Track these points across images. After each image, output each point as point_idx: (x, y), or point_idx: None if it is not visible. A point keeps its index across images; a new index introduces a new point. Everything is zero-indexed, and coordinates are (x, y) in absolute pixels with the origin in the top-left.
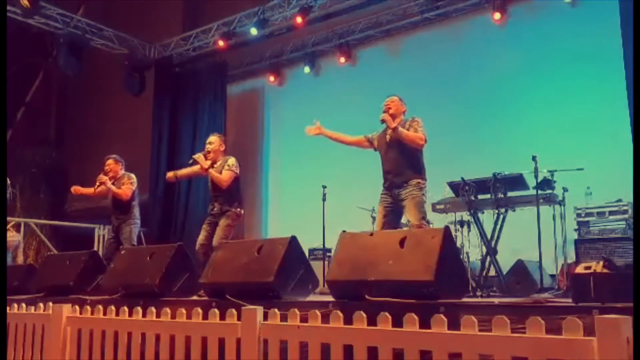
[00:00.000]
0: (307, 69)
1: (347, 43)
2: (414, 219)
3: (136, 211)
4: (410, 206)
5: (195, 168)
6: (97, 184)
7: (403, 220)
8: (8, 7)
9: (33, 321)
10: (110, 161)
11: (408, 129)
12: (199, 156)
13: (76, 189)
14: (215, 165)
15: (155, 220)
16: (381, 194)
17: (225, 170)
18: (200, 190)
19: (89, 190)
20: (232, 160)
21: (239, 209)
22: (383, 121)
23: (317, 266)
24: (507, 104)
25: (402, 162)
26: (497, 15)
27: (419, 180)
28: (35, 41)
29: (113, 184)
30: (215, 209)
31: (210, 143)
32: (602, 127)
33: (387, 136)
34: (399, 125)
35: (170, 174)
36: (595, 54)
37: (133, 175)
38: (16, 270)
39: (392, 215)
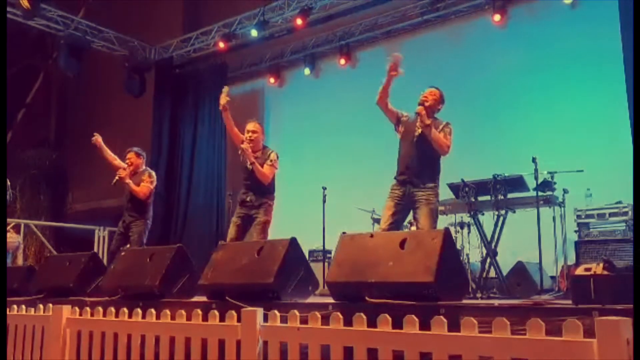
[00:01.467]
0: (307, 71)
1: (348, 45)
2: (427, 226)
3: (150, 210)
4: (425, 212)
5: (239, 134)
6: (116, 177)
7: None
8: (8, 9)
9: (33, 322)
10: (131, 154)
11: (439, 132)
12: (247, 147)
13: (98, 140)
14: (257, 156)
15: (156, 221)
16: (393, 187)
17: (267, 165)
18: (200, 191)
19: (109, 155)
20: (273, 155)
21: (273, 201)
22: (418, 114)
23: (317, 267)
24: (507, 106)
25: (426, 162)
26: (497, 17)
27: (436, 185)
28: (35, 43)
29: (132, 177)
30: (249, 199)
31: (254, 132)
32: (602, 128)
33: (418, 129)
34: (432, 124)
35: (225, 99)
36: (595, 56)
37: (153, 173)
38: (16, 272)
39: (401, 214)
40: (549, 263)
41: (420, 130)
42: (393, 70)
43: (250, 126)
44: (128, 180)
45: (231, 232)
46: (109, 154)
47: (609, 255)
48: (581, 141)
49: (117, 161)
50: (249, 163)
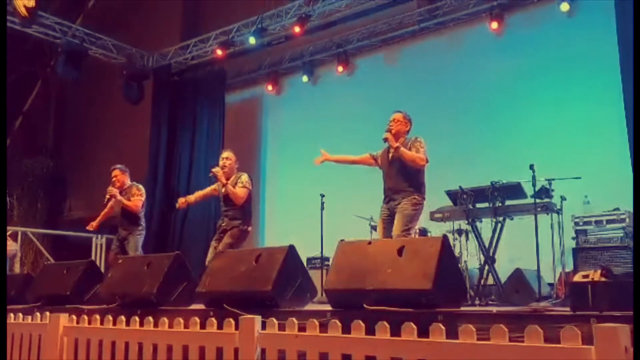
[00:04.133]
0: (305, 78)
1: (345, 52)
2: (397, 229)
3: (143, 221)
4: (397, 217)
5: (207, 190)
6: (107, 196)
7: None
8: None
9: (30, 331)
10: (116, 172)
11: (410, 149)
12: (218, 170)
13: (92, 225)
14: (228, 182)
15: (153, 229)
16: (381, 208)
17: (239, 187)
18: None
19: (104, 212)
20: (245, 177)
21: (245, 226)
22: (386, 140)
23: (315, 275)
24: (504, 113)
25: (402, 179)
26: (494, 24)
27: (415, 196)
28: (33, 50)
29: (121, 194)
30: (224, 224)
31: (227, 158)
32: (600, 135)
33: (390, 154)
34: (400, 144)
35: (181, 201)
36: (592, 63)
37: (141, 187)
38: (13, 280)
39: (390, 228)
40: (547, 270)
41: (391, 154)
42: (320, 162)
43: (224, 154)
44: (120, 197)
45: (210, 255)
46: (104, 212)
47: (607, 262)
48: (579, 148)
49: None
50: (221, 187)
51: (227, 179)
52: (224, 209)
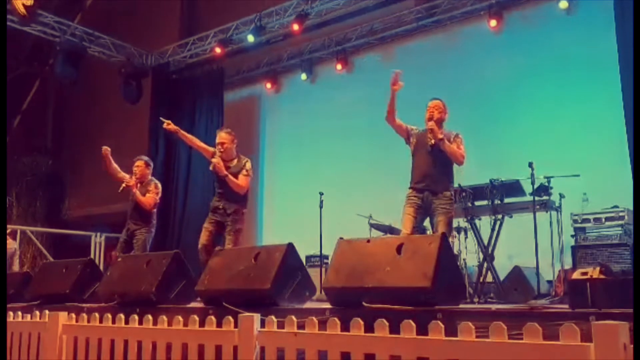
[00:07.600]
0: (304, 76)
1: (344, 50)
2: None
3: (154, 219)
4: (442, 221)
5: (207, 148)
6: (123, 185)
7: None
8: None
9: (29, 329)
10: (140, 162)
11: (451, 143)
12: (218, 161)
13: (106, 151)
14: (230, 165)
15: None
16: (410, 195)
17: (243, 175)
18: (197, 198)
19: (114, 167)
20: (249, 165)
21: (244, 209)
22: (431, 131)
23: (314, 273)
24: (503, 111)
25: (442, 170)
26: (493, 23)
27: (452, 193)
28: (32, 49)
29: (138, 187)
30: (221, 206)
31: (222, 143)
32: (598, 133)
33: (431, 139)
34: (444, 136)
35: (172, 126)
36: (591, 61)
37: (159, 184)
38: (12, 278)
39: (420, 217)
40: (546, 267)
41: (433, 141)
42: (394, 84)
43: (218, 138)
44: (135, 190)
45: (202, 237)
46: (115, 166)
47: (606, 259)
48: (577, 146)
49: (121, 174)
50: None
51: (228, 161)
52: (222, 190)
